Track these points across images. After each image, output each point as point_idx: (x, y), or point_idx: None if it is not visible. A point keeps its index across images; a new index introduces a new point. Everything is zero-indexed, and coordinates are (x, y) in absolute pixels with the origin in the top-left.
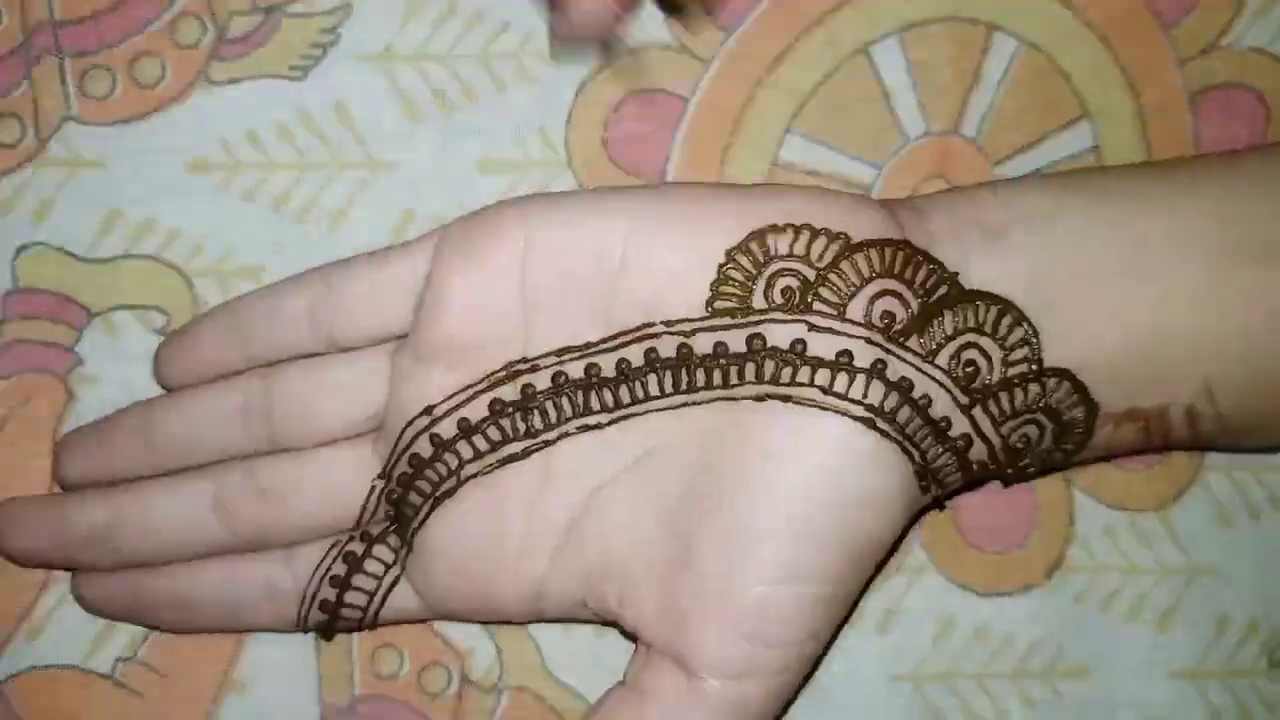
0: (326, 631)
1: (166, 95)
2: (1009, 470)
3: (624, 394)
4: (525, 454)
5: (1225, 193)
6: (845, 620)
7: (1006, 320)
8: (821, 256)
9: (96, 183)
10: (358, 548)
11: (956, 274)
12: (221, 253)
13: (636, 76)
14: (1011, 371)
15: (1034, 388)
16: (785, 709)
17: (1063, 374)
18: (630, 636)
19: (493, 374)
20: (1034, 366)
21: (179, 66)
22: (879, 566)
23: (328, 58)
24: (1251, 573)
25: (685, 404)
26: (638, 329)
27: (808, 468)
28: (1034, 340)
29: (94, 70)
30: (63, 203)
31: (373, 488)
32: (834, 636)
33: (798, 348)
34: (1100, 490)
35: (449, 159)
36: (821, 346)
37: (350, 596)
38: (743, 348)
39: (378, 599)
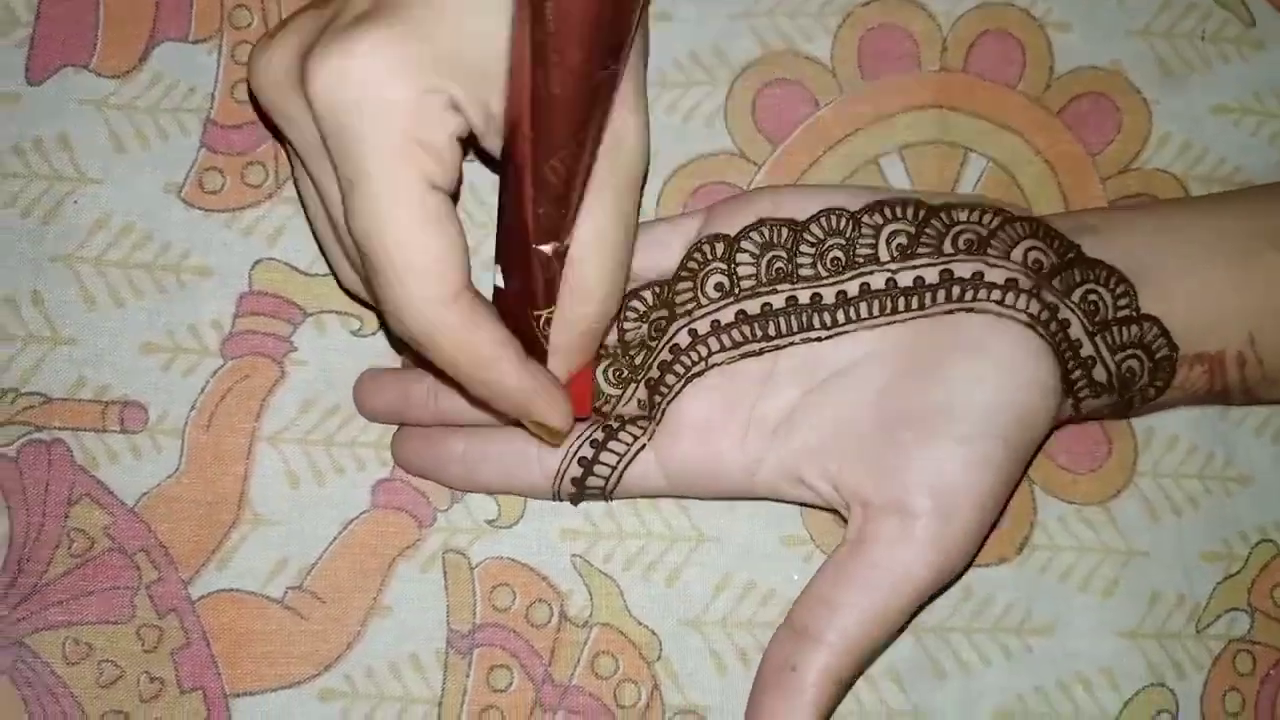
0: (577, 494)
1: None
2: (1119, 398)
3: (840, 316)
4: (760, 353)
5: (1249, 201)
6: (1010, 498)
7: (1114, 278)
8: (990, 223)
9: None
10: (615, 422)
11: (1079, 245)
12: None
13: None
14: (1119, 314)
15: (1134, 328)
16: (971, 559)
17: (1154, 320)
18: (834, 513)
19: (740, 292)
20: (1134, 312)
21: None
22: (1030, 460)
23: None
24: (1176, 558)
25: (889, 324)
26: (857, 267)
27: (992, 356)
28: (1134, 292)
29: None
30: (291, 230)
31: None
32: (1003, 512)
33: (978, 277)
34: (1054, 488)
35: None
36: (995, 276)
37: (604, 457)
38: (936, 279)
39: (625, 461)
